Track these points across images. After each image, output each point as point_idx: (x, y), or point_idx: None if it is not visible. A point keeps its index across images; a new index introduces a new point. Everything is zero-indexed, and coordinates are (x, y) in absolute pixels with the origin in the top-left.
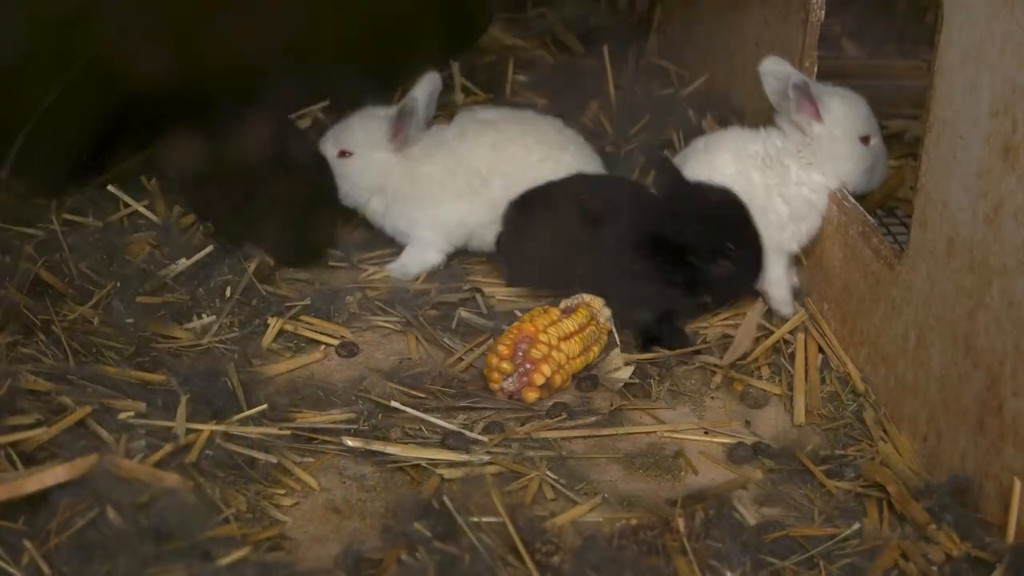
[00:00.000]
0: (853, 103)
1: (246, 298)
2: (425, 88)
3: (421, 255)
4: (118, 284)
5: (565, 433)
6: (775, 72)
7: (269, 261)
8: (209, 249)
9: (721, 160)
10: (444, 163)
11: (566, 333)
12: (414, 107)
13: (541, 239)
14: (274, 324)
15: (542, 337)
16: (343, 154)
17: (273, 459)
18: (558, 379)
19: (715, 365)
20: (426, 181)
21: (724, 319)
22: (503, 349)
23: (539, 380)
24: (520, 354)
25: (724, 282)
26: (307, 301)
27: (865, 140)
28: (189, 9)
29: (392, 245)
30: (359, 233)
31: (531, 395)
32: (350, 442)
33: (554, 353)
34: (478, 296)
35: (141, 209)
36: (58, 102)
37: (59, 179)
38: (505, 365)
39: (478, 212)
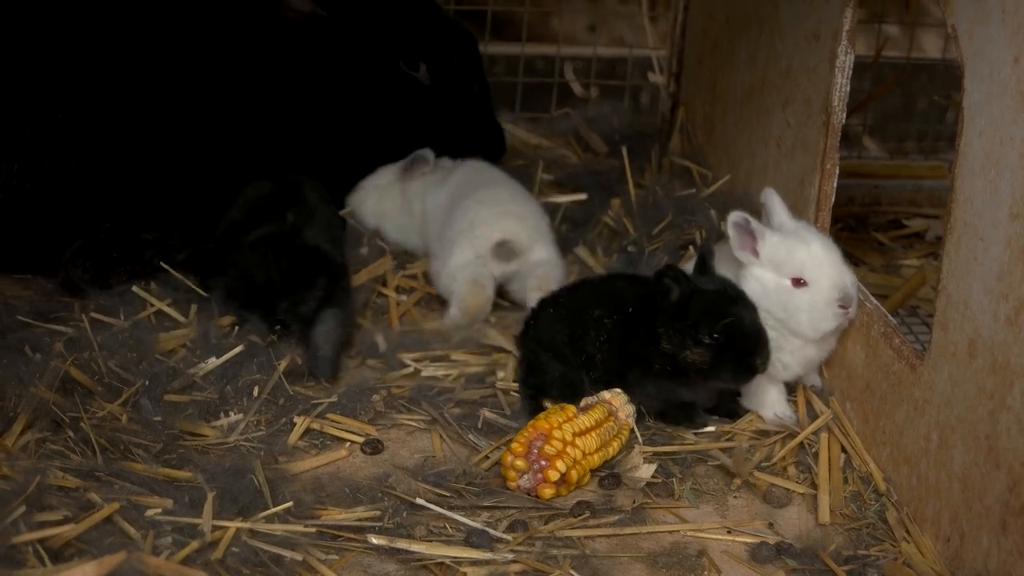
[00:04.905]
0: (787, 244)
1: (273, 397)
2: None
3: None
4: (147, 382)
5: (588, 531)
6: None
7: (298, 361)
8: (239, 349)
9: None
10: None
11: (582, 429)
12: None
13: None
14: (300, 423)
15: (556, 434)
16: None
17: (298, 556)
18: (574, 475)
19: (728, 471)
20: None
21: (750, 421)
22: (517, 447)
23: (553, 476)
24: (535, 451)
25: (699, 370)
26: (333, 398)
27: (796, 282)
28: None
29: (425, 347)
30: (397, 333)
31: (547, 491)
32: (375, 540)
33: (569, 449)
34: (500, 395)
35: (166, 309)
36: None
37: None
38: (519, 462)
39: None
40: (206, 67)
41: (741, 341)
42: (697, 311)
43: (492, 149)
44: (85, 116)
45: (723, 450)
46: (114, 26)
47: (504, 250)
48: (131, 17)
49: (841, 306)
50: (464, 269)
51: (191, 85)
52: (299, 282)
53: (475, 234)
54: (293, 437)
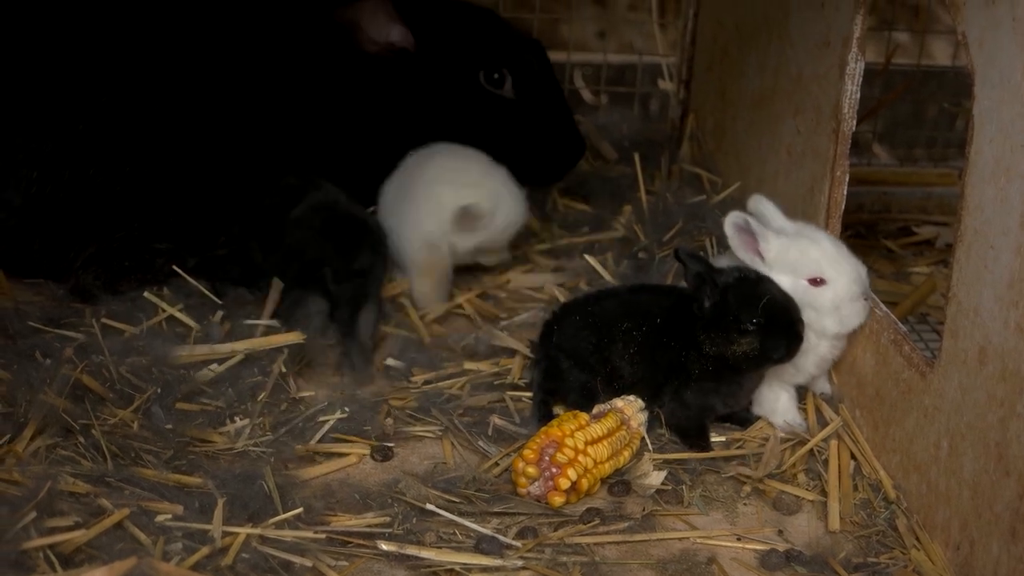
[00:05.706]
0: (797, 245)
1: (278, 402)
2: None
3: None
4: (158, 389)
5: (598, 538)
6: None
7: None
8: (240, 357)
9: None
10: None
11: (594, 437)
12: None
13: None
14: (311, 443)
15: (568, 442)
16: None
17: (308, 563)
18: (585, 483)
19: (748, 476)
20: None
21: (760, 428)
22: (529, 454)
23: (564, 484)
24: (546, 458)
25: (750, 358)
26: (343, 414)
27: (814, 282)
28: None
29: (436, 364)
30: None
31: (557, 499)
32: (384, 546)
33: (580, 458)
34: (509, 401)
35: (177, 314)
36: None
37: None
38: (531, 469)
39: None
40: (235, 87)
41: (781, 314)
42: (734, 303)
43: (573, 154)
44: (108, 128)
45: (734, 457)
46: (140, 45)
47: (467, 219)
48: (155, 35)
49: (864, 298)
50: (420, 239)
51: (217, 105)
52: (348, 246)
53: (435, 207)
54: (302, 450)
